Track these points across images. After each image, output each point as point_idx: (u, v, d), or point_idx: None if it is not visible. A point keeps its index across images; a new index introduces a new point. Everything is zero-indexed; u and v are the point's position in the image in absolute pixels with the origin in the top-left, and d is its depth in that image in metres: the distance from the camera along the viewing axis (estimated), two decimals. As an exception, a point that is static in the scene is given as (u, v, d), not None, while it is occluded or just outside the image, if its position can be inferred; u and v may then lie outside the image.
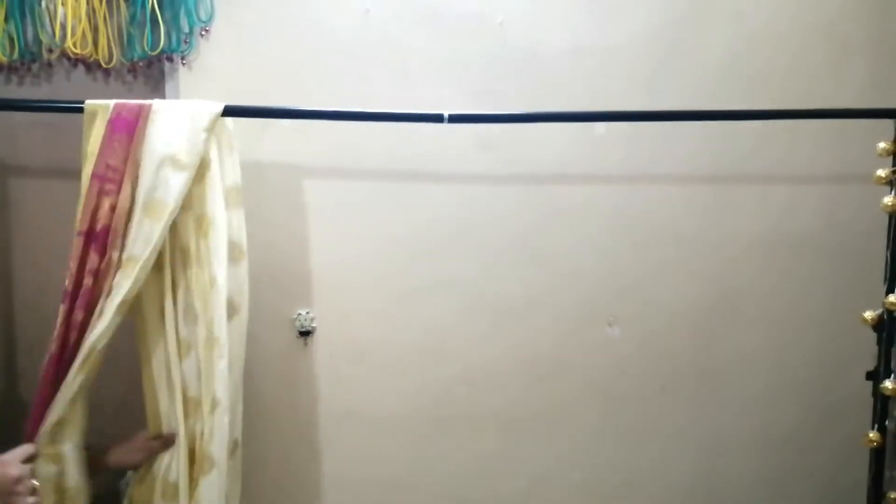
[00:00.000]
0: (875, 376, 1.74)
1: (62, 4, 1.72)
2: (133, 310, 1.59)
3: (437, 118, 1.66)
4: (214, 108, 1.58)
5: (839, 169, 2.05)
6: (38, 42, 1.74)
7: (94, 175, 1.52)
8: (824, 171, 2.06)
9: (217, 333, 1.57)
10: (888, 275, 1.70)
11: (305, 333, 1.93)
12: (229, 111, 1.64)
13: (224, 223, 1.59)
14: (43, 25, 1.73)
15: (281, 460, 1.97)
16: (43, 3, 1.72)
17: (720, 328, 2.08)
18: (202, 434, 1.60)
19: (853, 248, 2.07)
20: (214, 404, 1.58)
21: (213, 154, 1.59)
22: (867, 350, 1.76)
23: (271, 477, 1.97)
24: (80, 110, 1.56)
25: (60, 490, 1.53)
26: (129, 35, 1.77)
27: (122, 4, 1.76)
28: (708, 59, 1.98)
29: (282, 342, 1.93)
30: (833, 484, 2.14)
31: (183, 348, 1.61)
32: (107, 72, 1.81)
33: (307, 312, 1.92)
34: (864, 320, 1.74)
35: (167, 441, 1.62)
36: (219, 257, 1.58)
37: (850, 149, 2.02)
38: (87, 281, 1.51)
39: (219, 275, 1.57)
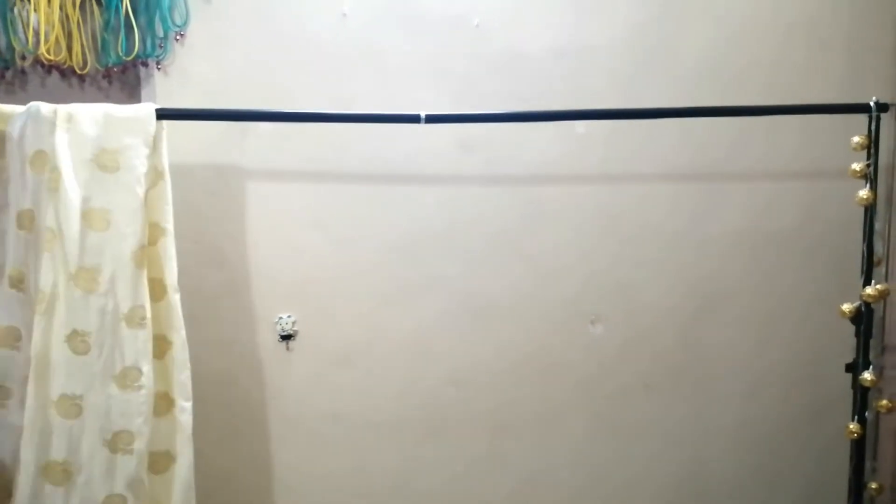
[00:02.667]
0: (854, 368, 1.76)
1: (35, 10, 1.71)
2: None
3: (415, 119, 1.66)
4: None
5: (817, 165, 2.06)
6: (11, 49, 1.74)
7: None
8: (802, 167, 2.07)
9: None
10: (864, 268, 1.72)
11: (287, 337, 1.92)
12: (198, 115, 1.62)
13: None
14: (16, 32, 1.72)
15: (265, 463, 1.96)
16: (15, 10, 1.71)
17: (703, 325, 2.09)
18: None
19: (832, 242, 2.08)
20: None
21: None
22: (848, 343, 1.77)
23: (256, 480, 1.96)
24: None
25: None
26: (104, 41, 1.77)
27: (96, 10, 1.75)
28: (687, 57, 1.99)
29: (263, 347, 1.92)
30: (819, 475, 2.15)
31: None
32: (82, 78, 1.80)
33: (288, 316, 1.92)
34: (843, 313, 1.75)
35: None
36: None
37: (827, 145, 2.03)
38: None
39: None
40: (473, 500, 2.06)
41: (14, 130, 1.52)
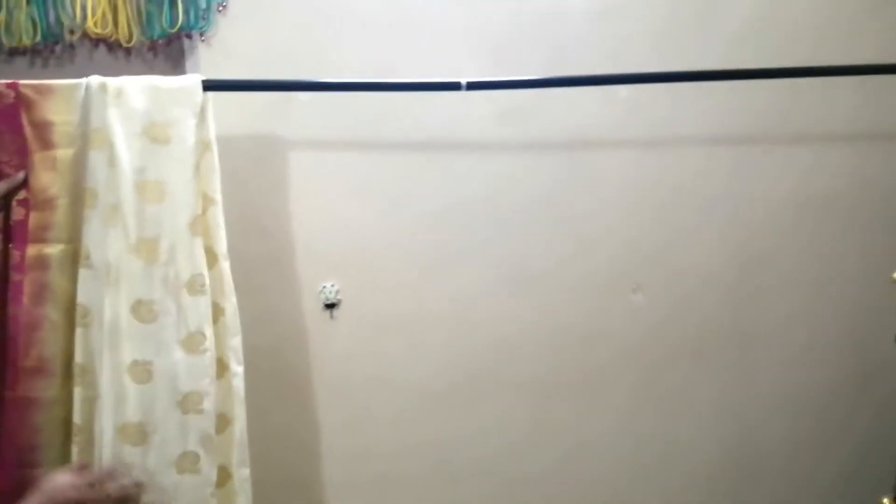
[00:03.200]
0: (905, 336, 1.72)
1: (82, -15, 1.73)
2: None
3: (455, 86, 1.65)
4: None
5: (866, 126, 2.01)
6: (60, 24, 1.77)
7: None
8: (852, 129, 2.02)
9: None
10: (919, 232, 1.68)
11: (331, 306, 1.94)
12: (242, 86, 1.65)
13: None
14: (64, 7, 1.75)
15: (311, 430, 2.00)
16: (63, -15, 1.74)
17: (748, 293, 2.06)
18: None
19: (884, 206, 2.03)
20: None
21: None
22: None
23: (301, 446, 2.00)
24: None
25: None
26: (148, 14, 1.79)
27: (141, -17, 1.77)
28: (733, 17, 1.94)
29: (308, 315, 1.95)
30: (867, 443, 2.12)
31: None
32: (128, 51, 1.83)
33: (332, 285, 1.94)
34: (894, 280, 1.71)
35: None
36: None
37: (881, 105, 1.98)
38: None
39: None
40: (517, 467, 2.08)
41: (76, 114, 1.56)
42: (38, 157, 1.55)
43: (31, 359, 1.55)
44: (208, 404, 1.60)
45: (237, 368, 1.67)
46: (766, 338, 2.08)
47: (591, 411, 2.07)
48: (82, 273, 1.57)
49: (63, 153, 1.56)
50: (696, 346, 2.06)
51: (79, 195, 1.58)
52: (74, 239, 1.58)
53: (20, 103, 1.55)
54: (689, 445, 2.11)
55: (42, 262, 1.56)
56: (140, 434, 1.56)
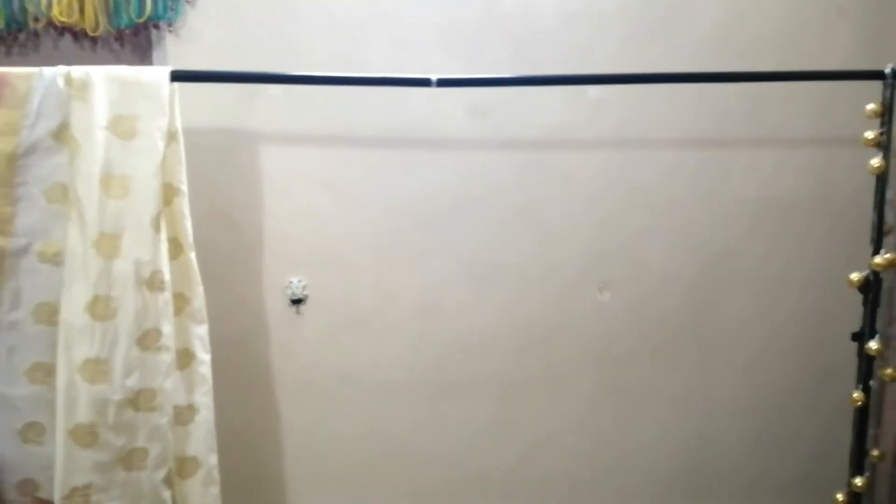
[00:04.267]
0: (860, 337, 1.77)
1: (47, -28, 1.71)
2: None
3: (426, 82, 1.65)
4: None
5: (829, 132, 2.05)
6: (24, 11, 1.74)
7: None
8: (814, 134, 2.06)
9: None
10: (874, 236, 1.72)
11: (297, 301, 1.94)
12: (212, 77, 1.63)
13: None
14: (29, -6, 1.72)
15: (276, 424, 2.00)
16: (28, -29, 1.71)
17: (711, 292, 2.10)
18: None
19: (842, 210, 2.07)
20: None
21: None
22: (856, 312, 1.77)
23: (266, 440, 2.00)
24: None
25: None
26: (116, 3, 1.76)
27: (108, -29, 1.75)
28: (702, 22, 1.97)
29: (274, 310, 1.95)
30: (822, 441, 2.18)
31: None
32: (94, 40, 1.80)
33: (299, 281, 1.94)
34: (850, 282, 1.76)
35: None
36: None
37: (840, 111, 2.02)
38: None
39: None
40: (481, 461, 2.10)
41: (33, 106, 1.53)
42: None
43: None
44: (162, 401, 1.59)
45: (204, 357, 1.67)
46: (727, 337, 2.12)
47: (554, 407, 2.10)
48: (39, 268, 1.55)
49: (3, 143, 1.52)
50: (657, 344, 2.10)
51: (23, 187, 1.55)
52: (5, 232, 1.55)
53: None
54: (649, 441, 2.15)
55: None
56: (91, 435, 1.54)
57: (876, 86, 1.69)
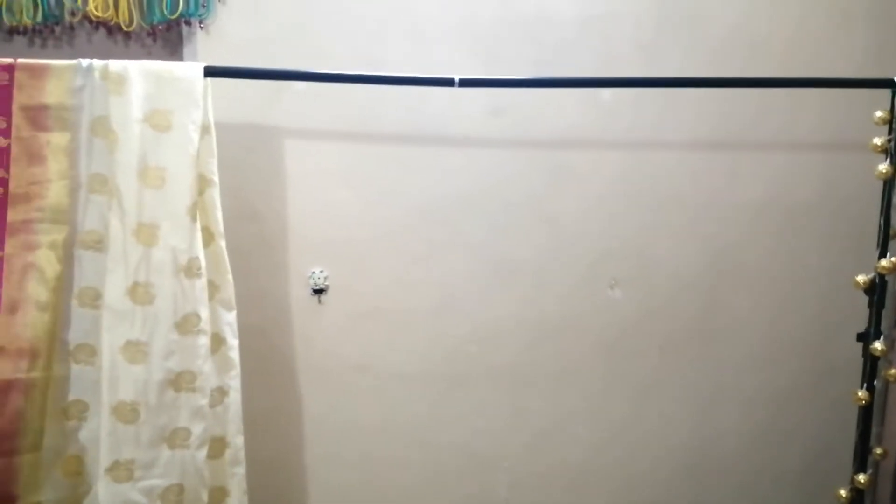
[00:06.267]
0: (865, 338, 1.80)
1: (84, -33, 1.76)
2: None
3: (449, 82, 1.69)
4: None
5: (837, 137, 2.09)
6: (61, 5, 1.80)
7: None
8: (822, 139, 2.09)
9: None
10: (881, 240, 1.76)
11: (319, 291, 2.00)
12: (243, 73, 1.70)
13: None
14: (65, -11, 1.78)
15: (295, 411, 2.05)
16: (65, -33, 1.77)
17: (719, 291, 2.14)
18: None
19: (850, 214, 2.11)
20: None
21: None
22: (861, 312, 1.81)
23: (285, 427, 2.06)
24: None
25: None
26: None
27: (143, -32, 1.80)
28: (712, 27, 2.01)
29: (296, 300, 2.00)
30: (826, 439, 2.22)
31: None
32: (127, 35, 1.86)
33: (321, 271, 1.99)
34: (857, 284, 1.80)
35: None
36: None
37: (848, 118, 2.05)
38: None
39: None
40: (493, 451, 2.15)
41: (78, 99, 1.59)
42: (28, 140, 1.57)
43: (13, 340, 1.56)
44: (201, 382, 1.65)
45: (233, 342, 1.74)
46: (733, 334, 2.16)
47: (565, 398, 2.14)
48: (85, 255, 1.62)
49: (58, 137, 1.59)
50: (665, 339, 2.14)
51: (75, 179, 1.62)
52: (67, 221, 1.61)
53: (12, 86, 1.56)
54: (656, 433, 2.19)
55: (28, 244, 1.58)
56: (133, 412, 1.61)
57: (884, 92, 1.73)
